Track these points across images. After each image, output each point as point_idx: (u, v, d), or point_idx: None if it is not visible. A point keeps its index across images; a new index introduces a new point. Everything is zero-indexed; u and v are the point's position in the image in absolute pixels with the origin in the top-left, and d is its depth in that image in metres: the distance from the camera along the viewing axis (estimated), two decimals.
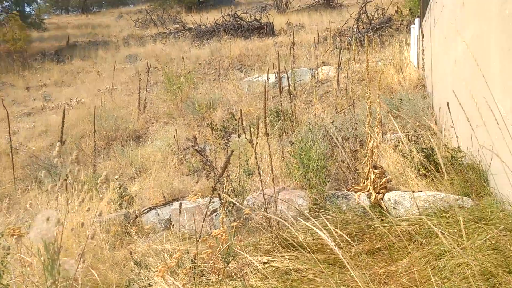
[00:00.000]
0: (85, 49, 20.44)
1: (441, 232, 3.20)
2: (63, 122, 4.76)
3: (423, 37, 8.30)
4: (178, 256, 2.90)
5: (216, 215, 4.37)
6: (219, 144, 5.71)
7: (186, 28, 20.05)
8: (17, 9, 25.43)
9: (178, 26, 20.92)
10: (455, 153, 4.30)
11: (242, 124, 4.07)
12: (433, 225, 3.40)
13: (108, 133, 8.75)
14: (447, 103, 5.02)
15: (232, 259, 2.47)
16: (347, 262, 2.29)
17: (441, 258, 2.94)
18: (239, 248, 3.33)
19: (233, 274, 3.13)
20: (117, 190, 5.28)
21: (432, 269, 2.86)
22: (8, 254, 2.85)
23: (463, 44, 4.62)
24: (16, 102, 14.38)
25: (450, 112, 4.88)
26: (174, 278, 2.87)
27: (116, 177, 6.21)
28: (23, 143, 9.70)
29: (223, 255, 2.31)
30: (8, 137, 7.80)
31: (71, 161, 2.31)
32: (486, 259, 2.70)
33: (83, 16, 32.92)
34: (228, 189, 4.30)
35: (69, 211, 3.25)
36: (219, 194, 3.60)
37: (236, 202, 3.49)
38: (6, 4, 26.07)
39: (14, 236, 2.42)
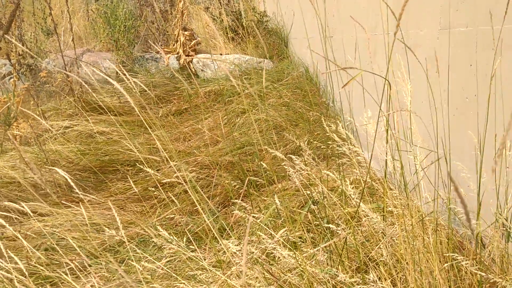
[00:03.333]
0: None
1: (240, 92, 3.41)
2: None
3: None
4: None
5: (9, 78, 3.88)
6: None
7: None
8: None
9: None
10: (261, 17, 4.45)
11: None
12: (236, 85, 3.60)
13: None
14: None
15: (15, 120, 2.25)
16: (146, 123, 2.29)
17: (241, 116, 3.17)
18: (37, 113, 3.07)
19: (31, 140, 2.91)
20: None
21: (233, 126, 3.07)
22: None
23: None
24: None
25: None
26: None
27: None
28: None
29: (2, 119, 2.09)
30: None
31: None
32: (279, 115, 3.00)
33: None
34: (23, 51, 3.81)
35: None
36: (7, 55, 3.16)
37: (30, 66, 3.13)
38: None
39: None
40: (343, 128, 1.42)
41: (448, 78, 1.52)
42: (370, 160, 1.09)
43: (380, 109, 1.07)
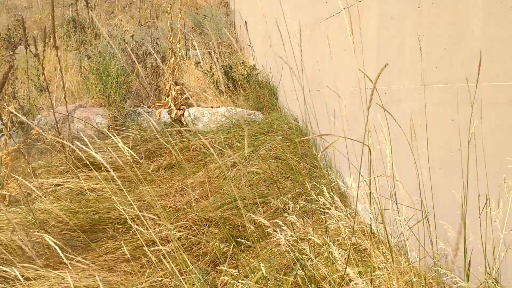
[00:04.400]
0: None
1: (232, 144, 3.44)
2: None
3: None
4: None
5: (1, 136, 3.90)
6: (3, 56, 4.98)
7: None
8: None
9: None
10: (251, 70, 4.56)
11: (25, 34, 3.58)
12: (226, 138, 3.64)
13: None
14: (245, 22, 5.20)
15: (1, 187, 2.25)
16: (137, 178, 2.30)
17: (232, 170, 3.18)
18: (28, 171, 3.07)
19: (21, 199, 2.89)
20: None
21: (224, 179, 3.08)
22: None
23: None
24: None
25: (247, 30, 5.08)
26: None
27: None
28: None
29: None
30: None
31: None
32: (269, 168, 3.02)
33: None
34: (15, 107, 3.85)
35: None
36: None
37: (22, 124, 3.16)
38: None
39: None
40: (330, 186, 1.44)
41: (429, 134, 1.56)
42: (354, 224, 1.10)
43: (360, 174, 1.10)
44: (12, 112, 3.65)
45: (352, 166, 1.56)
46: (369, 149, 1.02)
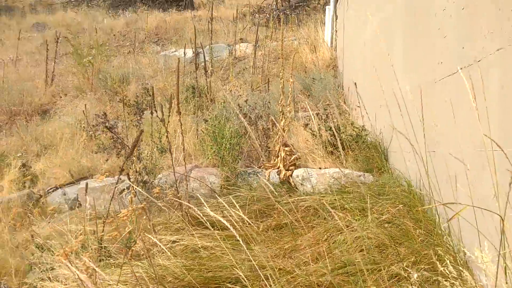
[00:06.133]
0: None
1: (341, 206, 3.38)
2: None
3: (337, 18, 8.55)
4: (82, 238, 2.81)
5: (126, 194, 4.26)
6: (132, 120, 5.54)
7: None
8: None
9: None
10: (360, 131, 4.53)
11: (154, 101, 3.96)
12: (335, 200, 3.59)
13: (11, 107, 8.13)
14: (355, 83, 5.24)
15: (134, 244, 2.43)
16: (247, 238, 2.35)
17: (342, 232, 3.11)
18: (148, 227, 3.29)
19: (141, 254, 3.09)
20: (20, 168, 4.97)
21: (333, 243, 3.02)
22: None
23: (372, 27, 4.82)
24: None
25: (357, 92, 5.10)
26: (78, 261, 2.77)
27: (19, 154, 5.83)
28: None
29: (125, 240, 2.28)
30: None
31: None
32: (381, 232, 2.90)
33: None
34: (139, 168, 4.21)
35: None
36: (127, 174, 3.51)
37: (145, 182, 3.43)
38: None
39: None
40: (451, 254, 1.34)
41: None
42: None
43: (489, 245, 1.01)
44: (137, 171, 3.99)
45: (481, 235, 1.45)
46: (501, 218, 0.94)
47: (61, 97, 8.63)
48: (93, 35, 11.51)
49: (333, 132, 4.58)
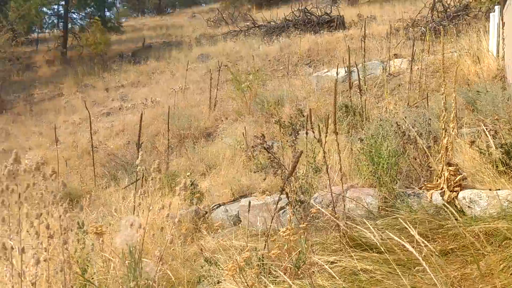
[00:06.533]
0: (159, 49, 21.27)
1: None
2: (140, 126, 4.99)
3: (503, 25, 7.78)
4: (247, 256, 2.96)
5: (283, 212, 4.39)
6: (287, 141, 5.71)
7: (256, 25, 20.16)
8: (99, 14, 26.89)
9: (248, 23, 21.09)
10: None
11: (311, 121, 4.04)
12: None
13: (181, 131, 9.05)
14: None
15: (303, 265, 2.48)
16: (410, 263, 2.22)
17: None
18: (305, 247, 3.33)
19: (299, 273, 3.13)
20: (189, 186, 5.47)
21: (511, 274, 2.68)
22: (92, 250, 3.06)
23: None
24: (96, 102, 15.29)
25: None
26: (243, 277, 2.91)
27: (188, 174, 6.42)
28: (102, 141, 10.31)
29: (293, 262, 2.33)
30: (89, 136, 8.32)
31: (152, 169, 2.45)
32: None
33: (158, 18, 34.18)
34: (295, 187, 4.30)
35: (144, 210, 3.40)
36: (287, 193, 3.61)
37: (302, 202, 3.49)
38: (88, 10, 27.70)
39: (97, 234, 2.58)
40: None
41: None
42: None
43: None
44: (293, 190, 4.09)
45: None
46: None
47: (222, 120, 9.34)
48: (250, 62, 12.27)
49: (505, 150, 4.12)
